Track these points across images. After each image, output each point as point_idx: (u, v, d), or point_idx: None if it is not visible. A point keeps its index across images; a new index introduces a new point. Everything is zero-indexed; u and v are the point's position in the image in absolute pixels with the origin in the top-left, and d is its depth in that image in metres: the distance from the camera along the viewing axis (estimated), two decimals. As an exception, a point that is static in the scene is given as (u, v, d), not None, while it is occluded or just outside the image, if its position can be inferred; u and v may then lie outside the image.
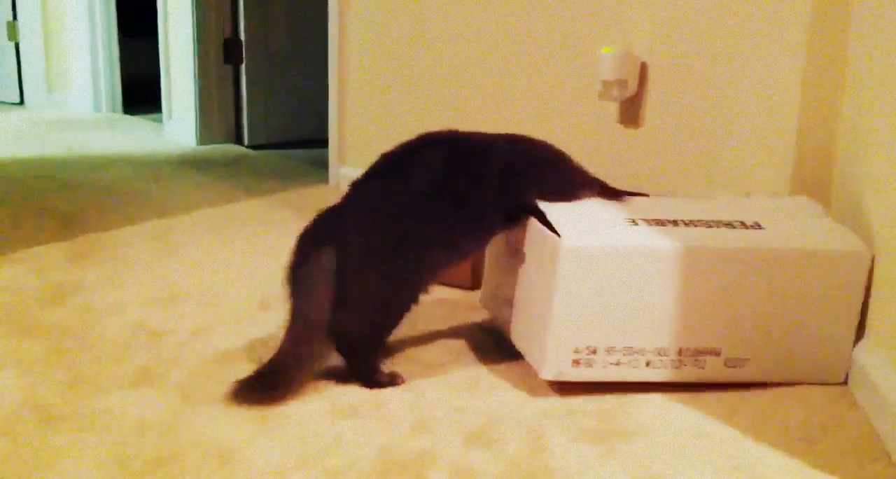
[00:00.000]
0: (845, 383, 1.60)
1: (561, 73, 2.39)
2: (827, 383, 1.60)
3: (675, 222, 1.58)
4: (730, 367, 1.57)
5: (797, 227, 1.62)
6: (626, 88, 2.14)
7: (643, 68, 2.15)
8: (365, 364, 1.58)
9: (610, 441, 1.37)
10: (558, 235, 1.49)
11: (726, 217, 1.62)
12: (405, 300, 1.58)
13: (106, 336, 1.75)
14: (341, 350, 1.56)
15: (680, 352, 1.55)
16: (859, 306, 1.58)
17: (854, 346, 1.60)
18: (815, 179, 1.85)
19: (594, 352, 1.52)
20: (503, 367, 1.65)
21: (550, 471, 1.28)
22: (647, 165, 2.17)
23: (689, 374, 1.56)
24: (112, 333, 1.77)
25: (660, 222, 1.57)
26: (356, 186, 1.61)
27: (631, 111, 2.20)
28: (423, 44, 2.86)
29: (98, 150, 4.00)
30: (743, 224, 1.60)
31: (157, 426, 1.38)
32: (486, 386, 1.56)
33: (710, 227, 1.58)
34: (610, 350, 1.53)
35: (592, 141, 2.32)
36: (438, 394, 1.53)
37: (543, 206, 1.57)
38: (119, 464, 1.26)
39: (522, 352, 1.61)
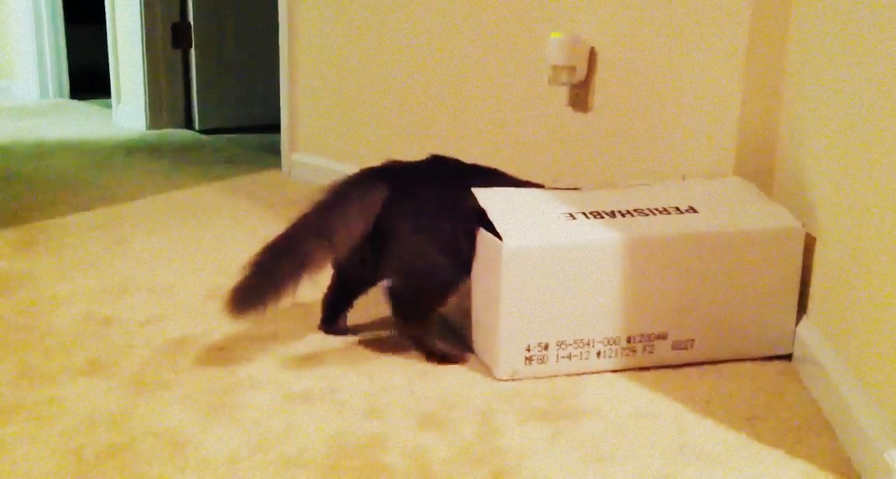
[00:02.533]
0: (790, 357, 1.64)
1: (511, 58, 2.40)
2: (774, 357, 1.64)
3: (612, 214, 1.59)
4: (678, 349, 1.61)
5: (731, 208, 1.65)
6: (575, 73, 2.16)
7: (592, 53, 2.17)
8: (417, 334, 1.64)
9: (559, 422, 1.40)
10: (500, 236, 1.51)
11: (661, 204, 1.64)
12: (455, 272, 1.62)
13: (55, 327, 1.74)
14: (397, 316, 1.64)
15: (629, 339, 1.58)
16: (798, 279, 1.63)
17: (798, 321, 1.64)
18: (758, 163, 1.88)
19: (546, 348, 1.55)
20: (455, 351, 1.66)
21: (501, 452, 1.30)
22: (596, 149, 2.20)
23: (639, 360, 1.59)
24: (61, 323, 1.76)
25: (597, 215, 1.58)
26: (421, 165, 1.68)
27: (580, 96, 2.22)
28: (375, 28, 2.85)
29: (46, 136, 3.95)
30: (678, 210, 1.62)
31: (109, 416, 1.38)
32: (439, 370, 1.58)
33: (647, 215, 1.60)
34: (561, 344, 1.55)
35: (543, 125, 2.33)
36: (391, 379, 1.54)
37: (485, 203, 1.57)
38: (71, 454, 1.26)
39: (479, 354, 1.63)
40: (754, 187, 1.74)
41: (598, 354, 1.57)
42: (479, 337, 1.63)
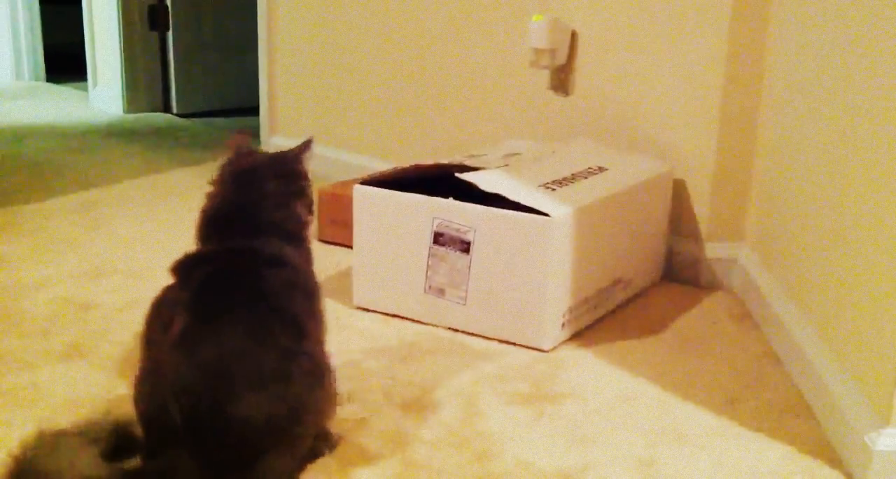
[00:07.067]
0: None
1: (493, 41, 2.39)
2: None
3: (565, 181, 1.71)
4: (623, 289, 1.84)
5: (623, 163, 1.89)
6: (557, 56, 2.15)
7: (573, 37, 2.16)
8: None
9: (542, 405, 1.40)
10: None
11: (581, 167, 1.82)
12: None
13: (32, 311, 1.72)
14: None
15: (616, 282, 1.80)
16: (669, 206, 1.96)
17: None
18: (740, 145, 1.89)
19: (572, 310, 1.65)
20: (437, 336, 1.66)
21: (484, 435, 1.30)
22: (577, 132, 2.19)
23: (616, 298, 1.81)
24: (38, 308, 1.74)
25: (560, 183, 1.70)
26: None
27: (561, 79, 2.22)
28: (354, 9, 2.83)
29: (21, 120, 3.90)
30: (592, 170, 1.82)
31: (87, 401, 1.37)
32: (420, 355, 1.58)
33: (586, 178, 1.76)
34: (585, 302, 1.68)
35: (524, 108, 2.33)
36: (373, 364, 1.54)
37: (477, 181, 1.62)
38: (49, 439, 1.25)
39: (505, 336, 1.63)
40: (601, 144, 2.04)
41: (595, 306, 1.72)
42: (500, 317, 1.63)
